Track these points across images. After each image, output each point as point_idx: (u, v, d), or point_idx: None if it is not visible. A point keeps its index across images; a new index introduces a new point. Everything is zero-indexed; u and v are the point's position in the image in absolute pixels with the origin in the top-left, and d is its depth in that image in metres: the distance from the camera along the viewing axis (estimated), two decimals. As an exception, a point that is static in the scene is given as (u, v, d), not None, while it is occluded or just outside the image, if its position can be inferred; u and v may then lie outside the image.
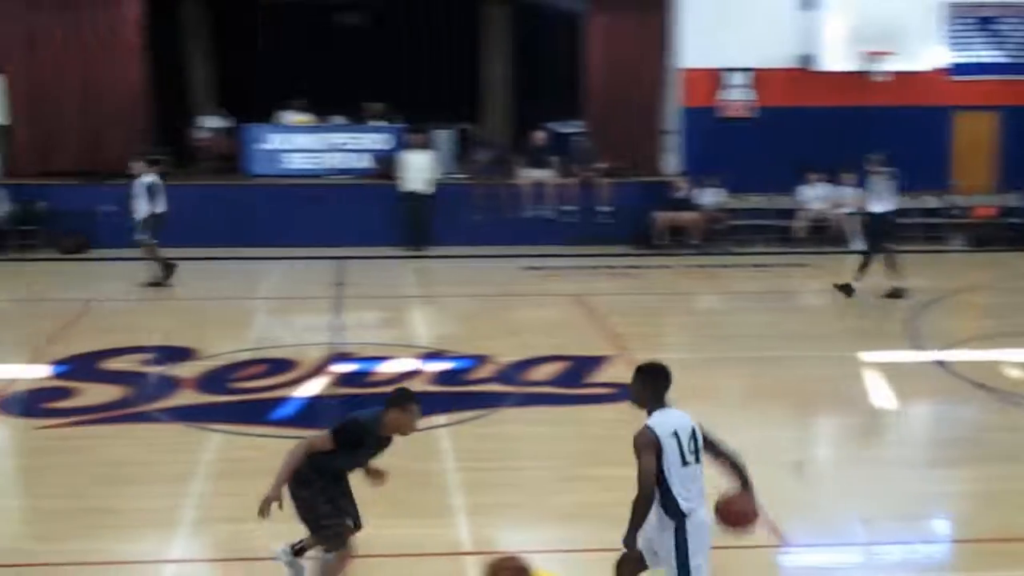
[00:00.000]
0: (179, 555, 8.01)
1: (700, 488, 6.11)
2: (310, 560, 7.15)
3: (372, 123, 20.24)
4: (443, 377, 12.18)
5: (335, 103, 20.44)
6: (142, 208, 16.22)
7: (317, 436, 6.75)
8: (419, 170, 18.89)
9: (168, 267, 16.36)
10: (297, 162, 19.68)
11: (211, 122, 20.78)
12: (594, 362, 12.59)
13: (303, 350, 13.01)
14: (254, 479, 9.23)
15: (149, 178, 16.29)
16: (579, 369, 12.38)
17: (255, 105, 20.26)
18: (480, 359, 12.66)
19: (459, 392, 11.74)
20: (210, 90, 22.44)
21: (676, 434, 6.03)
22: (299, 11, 22.05)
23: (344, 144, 19.83)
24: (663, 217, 19.21)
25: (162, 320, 14.76)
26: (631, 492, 5.96)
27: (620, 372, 12.23)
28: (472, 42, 22.83)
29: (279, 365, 12.38)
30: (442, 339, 13.88)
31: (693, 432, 6.10)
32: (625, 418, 10.89)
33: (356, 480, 7.05)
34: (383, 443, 6.91)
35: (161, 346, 13.04)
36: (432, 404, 11.24)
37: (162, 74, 20.20)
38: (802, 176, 19.53)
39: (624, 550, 6.09)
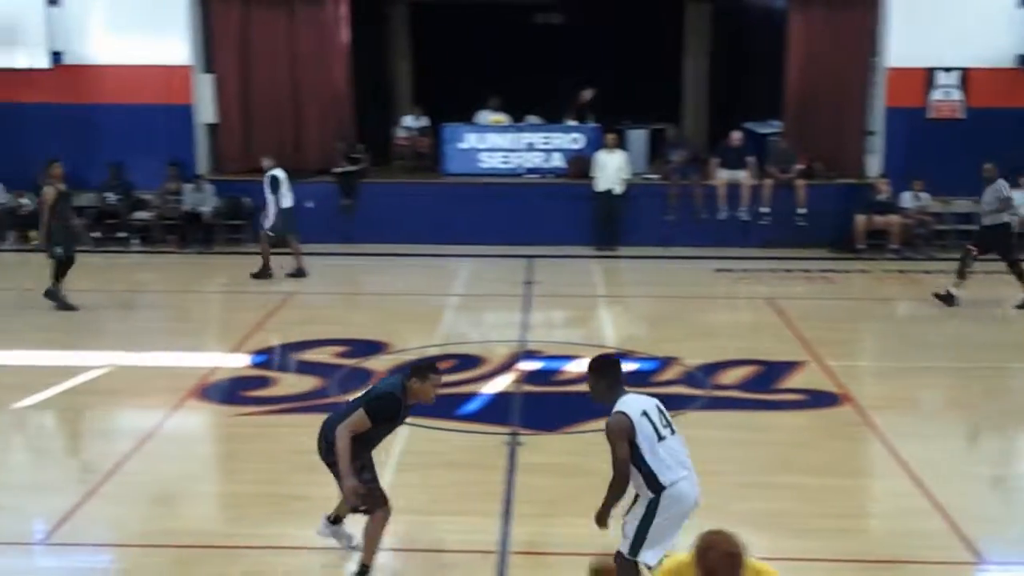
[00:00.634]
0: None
1: (682, 459, 6.38)
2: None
3: (572, 121, 20.22)
4: (629, 378, 11.94)
5: (532, 103, 20.56)
6: (269, 202, 16.78)
7: (354, 419, 7.13)
8: (612, 170, 18.84)
9: (266, 266, 16.79)
10: (491, 161, 19.88)
11: (410, 121, 21.20)
12: (785, 367, 12.31)
13: (491, 347, 13.13)
14: (438, 471, 9.44)
15: (273, 173, 16.82)
16: (770, 374, 12.13)
17: (453, 105, 20.55)
18: (667, 361, 12.53)
19: (645, 393, 11.61)
20: (410, 90, 22.89)
21: (645, 413, 6.35)
22: (499, 11, 22.27)
23: (538, 143, 19.92)
24: (863, 220, 18.64)
25: (356, 314, 15.13)
26: (817, 502, 5.79)
27: (812, 378, 11.95)
28: (672, 41, 22.63)
29: (467, 361, 12.52)
30: (629, 340, 13.79)
31: (659, 408, 6.44)
32: (816, 425, 10.71)
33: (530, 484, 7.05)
34: (407, 411, 7.40)
35: (355, 339, 13.33)
36: (617, 405, 11.23)
37: (364, 73, 20.69)
38: (1013, 180, 18.63)
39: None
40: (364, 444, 7.28)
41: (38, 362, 12.49)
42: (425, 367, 7.45)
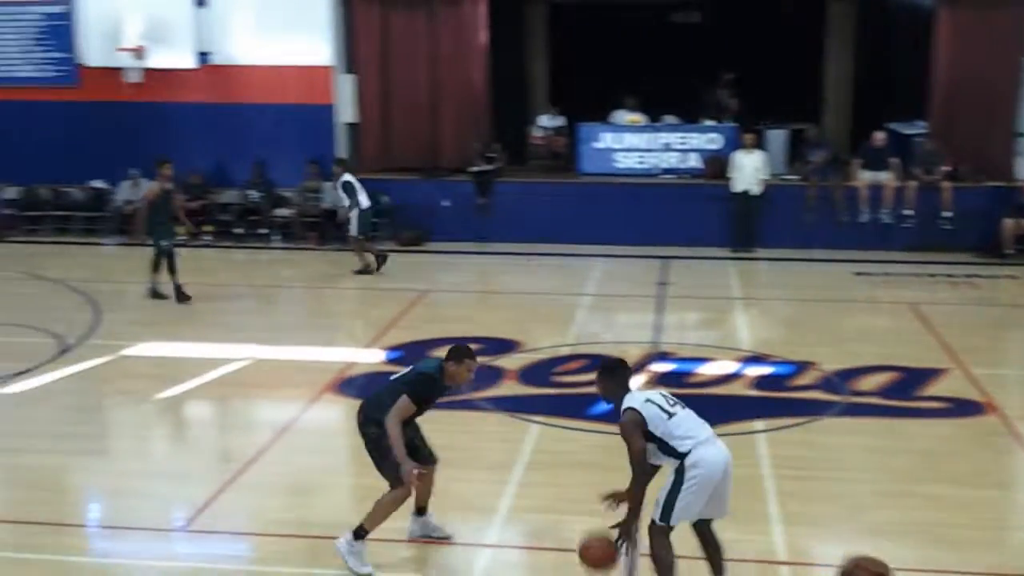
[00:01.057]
0: (494, 540, 8.21)
1: (697, 428, 6.77)
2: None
3: (712, 118, 20.02)
4: (764, 382, 11.91)
5: (668, 103, 20.40)
6: (347, 207, 17.09)
7: (400, 406, 7.50)
8: (750, 170, 18.57)
9: (382, 257, 17.15)
10: (627, 161, 19.78)
11: (546, 121, 21.23)
12: (927, 374, 11.97)
13: (623, 347, 13.04)
14: (569, 471, 9.42)
15: (345, 178, 17.07)
16: (910, 381, 11.81)
17: (589, 104, 20.50)
18: (803, 365, 12.29)
19: (780, 398, 11.46)
20: (546, 89, 22.91)
21: (649, 399, 6.85)
22: (637, 10, 22.15)
23: (674, 143, 19.76)
24: (1011, 224, 18.01)
25: (489, 312, 15.20)
26: (957, 512, 5.61)
27: (956, 386, 11.60)
28: (814, 40, 22.19)
29: (599, 361, 12.44)
30: (764, 343, 13.57)
31: (662, 394, 6.97)
32: (959, 435, 10.39)
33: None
34: (444, 392, 7.86)
35: (487, 337, 13.38)
36: (751, 409, 11.07)
37: (501, 73, 20.79)
38: None
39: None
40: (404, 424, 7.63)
41: (182, 354, 12.86)
42: (461, 350, 7.81)
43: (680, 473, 6.72)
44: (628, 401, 6.87)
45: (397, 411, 7.51)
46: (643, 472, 6.78)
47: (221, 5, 19.66)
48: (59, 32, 20.05)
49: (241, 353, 12.82)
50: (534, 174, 20.49)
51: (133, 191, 19.41)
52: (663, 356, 12.74)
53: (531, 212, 19.23)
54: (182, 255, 15.80)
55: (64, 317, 14.32)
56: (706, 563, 7.13)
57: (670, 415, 6.80)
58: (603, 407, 10.91)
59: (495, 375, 12.03)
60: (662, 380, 11.88)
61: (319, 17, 19.71)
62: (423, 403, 7.71)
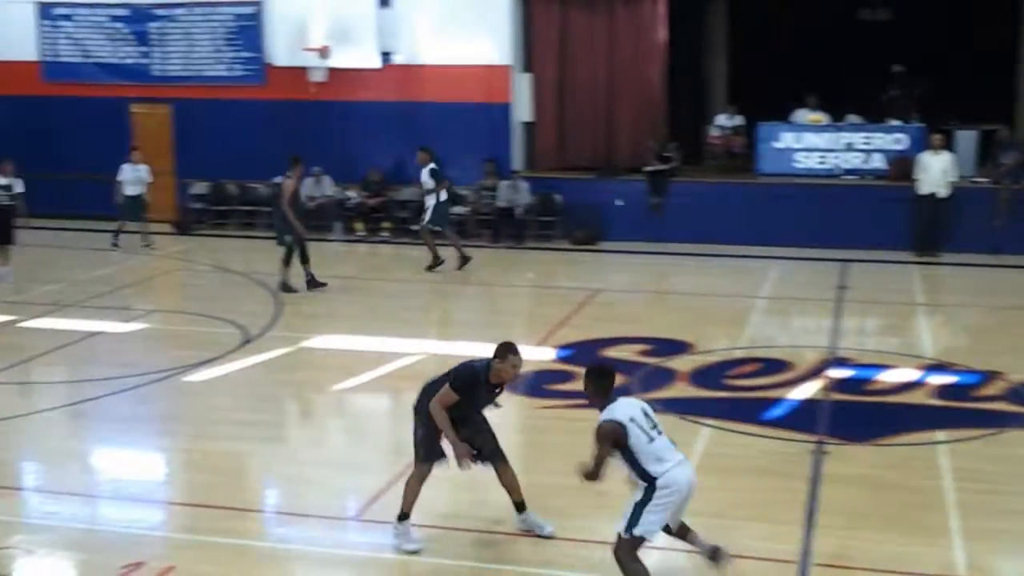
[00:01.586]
0: (662, 543, 8.08)
1: (670, 453, 7.08)
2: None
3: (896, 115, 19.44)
4: (947, 391, 11.48)
5: (852, 102, 19.88)
6: (429, 198, 17.06)
7: (441, 395, 7.87)
8: (937, 172, 17.94)
9: (436, 256, 17.03)
10: (808, 161, 19.36)
11: (724, 120, 20.94)
12: (1125, 388, 11.35)
13: (799, 352, 12.77)
14: (740, 476, 9.25)
15: (431, 166, 17.12)
16: (1105, 394, 11.22)
17: (769, 103, 20.12)
18: (989, 375, 11.80)
19: (963, 408, 11.03)
20: (725, 88, 22.59)
21: (633, 419, 7.03)
22: (822, 6, 21.62)
23: (857, 144, 19.24)
24: None
25: (661, 313, 15.07)
26: None
27: None
28: (1007, 38, 21.27)
29: (773, 365, 12.24)
30: (948, 351, 13.08)
31: (644, 412, 7.14)
32: None
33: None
34: (492, 389, 8.09)
35: (659, 338, 13.28)
36: (933, 419, 10.69)
37: (679, 72, 20.58)
38: None
39: None
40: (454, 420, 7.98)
41: (358, 347, 13.12)
42: (504, 347, 8.06)
43: (650, 491, 7.02)
44: (611, 412, 7.11)
45: (439, 398, 7.90)
46: (599, 467, 7.11)
47: (403, 5, 19.98)
48: (248, 32, 20.73)
49: (415, 348, 13.01)
50: (710, 174, 20.24)
51: (315, 188, 19.92)
52: (841, 362, 12.40)
53: (706, 212, 19.01)
54: (359, 251, 16.14)
55: (248, 309, 14.80)
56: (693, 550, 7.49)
57: (650, 439, 7.06)
58: (777, 412, 10.81)
59: (666, 376, 11.92)
60: (839, 387, 11.59)
61: (498, 16, 19.87)
62: (465, 395, 7.92)
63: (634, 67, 20.12)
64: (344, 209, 20.23)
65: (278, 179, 20.30)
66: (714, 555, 7.41)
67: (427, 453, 8.11)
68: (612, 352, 12.76)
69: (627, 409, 7.14)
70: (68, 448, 10.39)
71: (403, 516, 8.12)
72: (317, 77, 20.17)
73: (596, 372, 7.44)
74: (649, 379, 11.82)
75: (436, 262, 17.09)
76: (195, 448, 10.15)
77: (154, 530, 8.47)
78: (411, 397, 11.51)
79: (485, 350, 12.77)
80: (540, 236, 19.66)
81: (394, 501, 8.75)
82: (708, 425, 10.48)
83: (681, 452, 7.22)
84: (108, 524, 8.55)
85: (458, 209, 19.93)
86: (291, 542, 8.30)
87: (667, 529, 7.35)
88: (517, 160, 20.42)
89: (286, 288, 15.66)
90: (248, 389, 11.57)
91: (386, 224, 19.96)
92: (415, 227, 19.38)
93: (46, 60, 21.58)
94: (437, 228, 17.26)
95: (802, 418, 10.71)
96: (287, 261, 15.72)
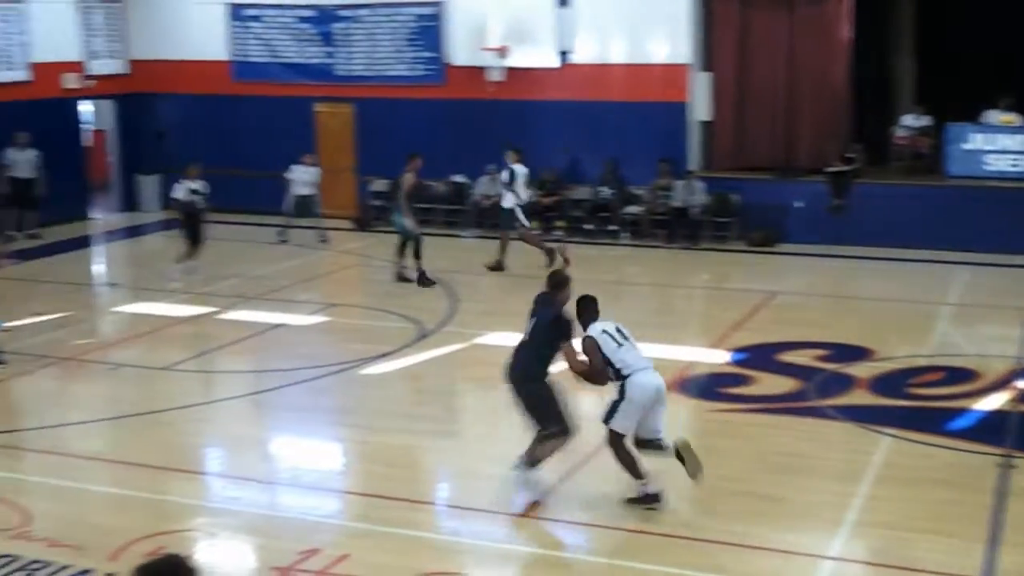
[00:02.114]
0: (836, 553, 7.91)
1: (636, 358, 8.63)
2: None
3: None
4: None
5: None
6: (508, 197, 16.94)
7: (567, 351, 8.69)
8: None
9: (550, 253, 16.88)
10: (999, 164, 18.59)
11: (910, 120, 20.28)
12: None
13: (986, 361, 12.27)
14: (921, 488, 8.96)
15: (514, 167, 16.94)
16: None
17: (959, 103, 19.39)
18: None
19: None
20: (912, 87, 21.89)
21: (605, 331, 8.68)
22: (1013, 3, 20.72)
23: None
24: None
25: (841, 317, 14.67)
26: None
27: None
28: None
29: (959, 374, 11.80)
30: None
31: (618, 329, 8.79)
32: None
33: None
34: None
35: (838, 343, 12.95)
36: None
37: (864, 70, 20.03)
38: None
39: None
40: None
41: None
42: (557, 276, 9.27)
43: (622, 389, 8.49)
44: (590, 330, 8.69)
45: (571, 359, 8.71)
46: (600, 373, 8.63)
47: (582, 4, 19.97)
48: (429, 33, 21.04)
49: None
50: (895, 175, 19.61)
51: (490, 186, 20.10)
52: (1031, 373, 11.88)
53: (891, 215, 18.43)
54: (531, 250, 16.20)
55: (423, 304, 15.02)
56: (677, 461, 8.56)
57: (619, 345, 8.62)
58: (961, 423, 10.42)
59: (844, 383, 11.62)
60: (1028, 398, 11.11)
61: (678, 15, 19.67)
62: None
63: (817, 65, 19.67)
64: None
65: (457, 177, 20.70)
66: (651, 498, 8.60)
67: (563, 418, 8.80)
68: (788, 356, 12.50)
69: (600, 324, 8.77)
70: (250, 435, 10.74)
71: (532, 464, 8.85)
72: (495, 76, 20.34)
73: (586, 300, 8.96)
74: (827, 385, 11.54)
75: (551, 257, 16.99)
76: (370, 440, 10.35)
77: (330, 518, 8.68)
78: (583, 395, 11.63)
79: (656, 351, 12.79)
80: (716, 237, 19.39)
81: (564, 499, 8.79)
82: (889, 434, 10.16)
83: (650, 364, 8.68)
84: (286, 511, 8.80)
85: (632, 209, 19.84)
86: (461, 535, 8.39)
87: (638, 442, 8.68)
88: (694, 160, 20.20)
89: (403, 279, 16.05)
90: (422, 383, 11.75)
91: (559, 223, 20.00)
92: (588, 227, 19.48)
93: (235, 60, 22.35)
94: (520, 228, 17.25)
95: (988, 430, 10.29)
96: (401, 252, 16.21)
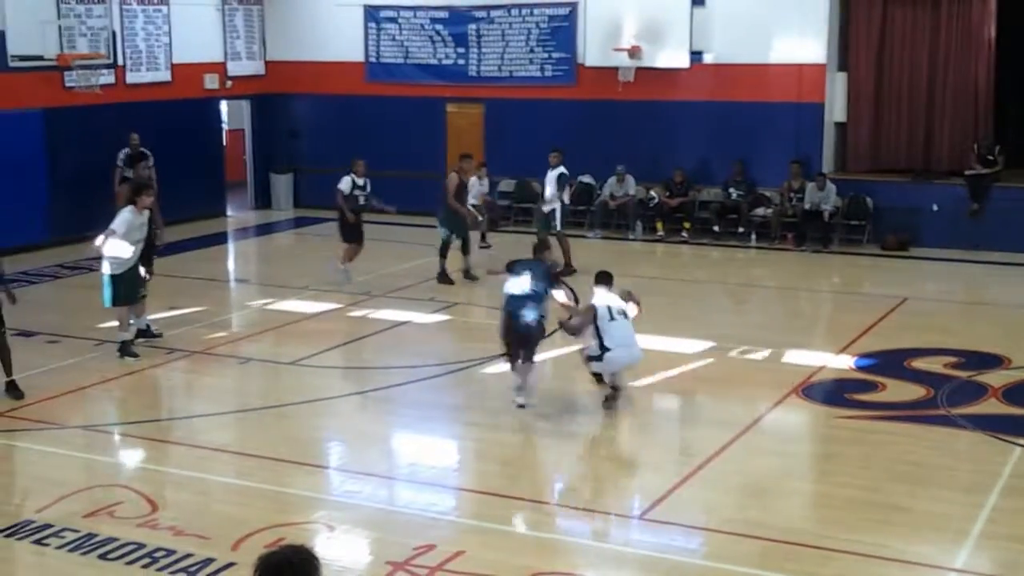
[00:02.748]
0: (961, 565, 7.67)
1: (623, 336, 10.65)
2: None
3: None
4: None
5: None
6: (555, 198, 16.75)
7: (557, 294, 11.23)
8: None
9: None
10: None
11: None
12: None
13: None
14: (1049, 501, 8.62)
15: (562, 170, 16.75)
16: None
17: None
18: None
19: None
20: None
21: (609, 306, 10.71)
22: None
23: None
24: None
25: (973, 325, 14.24)
26: None
27: None
28: None
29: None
30: None
31: (619, 308, 10.76)
32: None
33: None
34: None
35: (970, 351, 12.56)
36: None
37: (1009, 71, 19.35)
38: None
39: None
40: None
41: (651, 346, 13.00)
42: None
43: (600, 356, 10.66)
44: (594, 299, 10.81)
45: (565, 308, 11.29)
46: (578, 329, 10.91)
47: (717, 4, 19.75)
48: (562, 33, 21.07)
49: (710, 349, 12.87)
50: (1037, 178, 18.97)
51: (617, 187, 20.03)
52: None
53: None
54: (658, 251, 16.07)
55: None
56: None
57: (612, 318, 10.62)
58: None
59: (976, 391, 11.27)
60: None
61: (816, 15, 19.31)
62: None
63: (958, 66, 19.14)
64: (646, 208, 20.22)
65: (585, 178, 20.65)
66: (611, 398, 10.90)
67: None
68: (919, 363, 12.18)
69: (604, 298, 10.80)
70: (370, 431, 10.88)
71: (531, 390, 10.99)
72: (625, 77, 20.26)
73: (603, 274, 11.04)
74: (958, 393, 11.20)
75: (568, 268, 16.51)
76: (487, 438, 10.40)
77: (445, 515, 8.73)
78: (702, 399, 11.55)
79: (783, 355, 12.61)
80: (848, 240, 19.01)
81: (679, 503, 8.71)
82: (1022, 445, 9.82)
83: (633, 341, 10.76)
84: (403, 506, 8.88)
85: (761, 211, 19.55)
86: (575, 535, 8.38)
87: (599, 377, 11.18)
88: (828, 161, 19.83)
89: (445, 280, 16.13)
90: (541, 383, 11.74)
91: (686, 225, 19.83)
92: (716, 228, 19.28)
93: (370, 61, 22.69)
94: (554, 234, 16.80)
95: None
96: (443, 252, 16.29)
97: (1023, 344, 12.91)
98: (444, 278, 16.30)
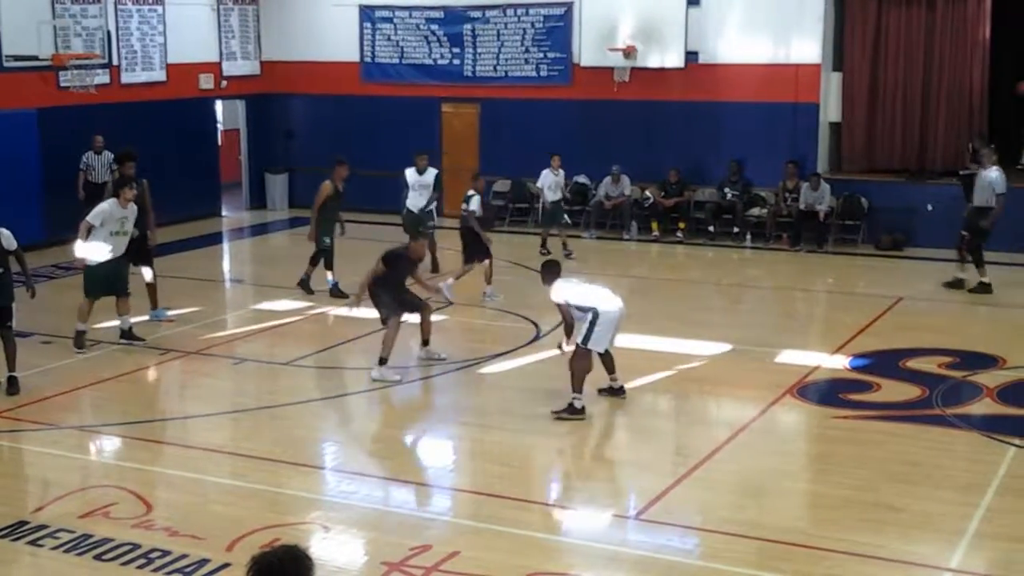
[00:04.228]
0: (956, 565, 7.68)
1: (599, 295, 10.74)
2: None
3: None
4: None
5: None
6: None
7: (374, 266, 11.83)
8: None
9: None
10: None
11: (1046, 122, 19.61)
12: None
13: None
14: (1044, 501, 8.64)
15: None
16: None
17: None
18: None
19: None
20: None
21: (569, 282, 10.92)
22: None
23: None
24: None
25: (969, 325, 14.28)
26: None
27: None
28: None
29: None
30: None
31: (574, 280, 11.10)
32: None
33: None
34: (413, 265, 12.09)
35: (965, 351, 12.59)
36: None
37: (1002, 71, 19.38)
38: None
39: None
40: (391, 285, 11.89)
41: (648, 347, 13.08)
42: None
43: (593, 320, 10.49)
44: (556, 292, 10.75)
45: (372, 271, 11.83)
46: (569, 324, 10.73)
47: (712, 4, 19.75)
48: (557, 33, 21.06)
49: (705, 350, 12.88)
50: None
51: (612, 187, 20.03)
52: None
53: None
54: (653, 252, 16.06)
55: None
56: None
57: (579, 285, 10.90)
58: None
59: (971, 391, 11.30)
60: None
61: (810, 15, 19.32)
62: (391, 267, 11.78)
63: (953, 66, 19.17)
64: (641, 209, 20.22)
65: (580, 178, 20.66)
66: (618, 391, 11.18)
67: (386, 312, 11.86)
68: (913, 363, 12.20)
69: (565, 283, 10.87)
70: (366, 431, 10.90)
71: (383, 360, 11.67)
72: (621, 77, 20.26)
73: (547, 265, 11.17)
74: (952, 393, 11.23)
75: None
76: (484, 438, 10.41)
77: (441, 515, 8.74)
78: (698, 399, 11.56)
79: (777, 355, 12.62)
80: (843, 240, 19.04)
81: (674, 503, 8.72)
82: (1016, 445, 9.85)
83: (609, 292, 10.78)
84: (399, 506, 8.89)
85: (756, 211, 19.56)
86: (571, 536, 8.39)
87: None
88: (823, 162, 19.85)
89: (305, 286, 15.49)
90: (538, 383, 11.75)
91: (681, 225, 19.83)
92: (711, 228, 19.30)
93: (365, 61, 22.68)
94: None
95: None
96: (315, 260, 15.52)
97: (1018, 344, 12.95)
98: (305, 285, 15.61)
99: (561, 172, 18.69)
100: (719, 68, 19.92)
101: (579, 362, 10.60)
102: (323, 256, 15.57)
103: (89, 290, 12.79)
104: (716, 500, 8.86)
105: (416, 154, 17.19)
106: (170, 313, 14.24)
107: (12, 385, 11.29)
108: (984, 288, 15.53)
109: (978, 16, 18.91)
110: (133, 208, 12.75)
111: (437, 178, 16.93)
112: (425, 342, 12.40)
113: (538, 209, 20.32)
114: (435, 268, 16.45)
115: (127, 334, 13.07)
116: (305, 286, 15.60)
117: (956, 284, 15.84)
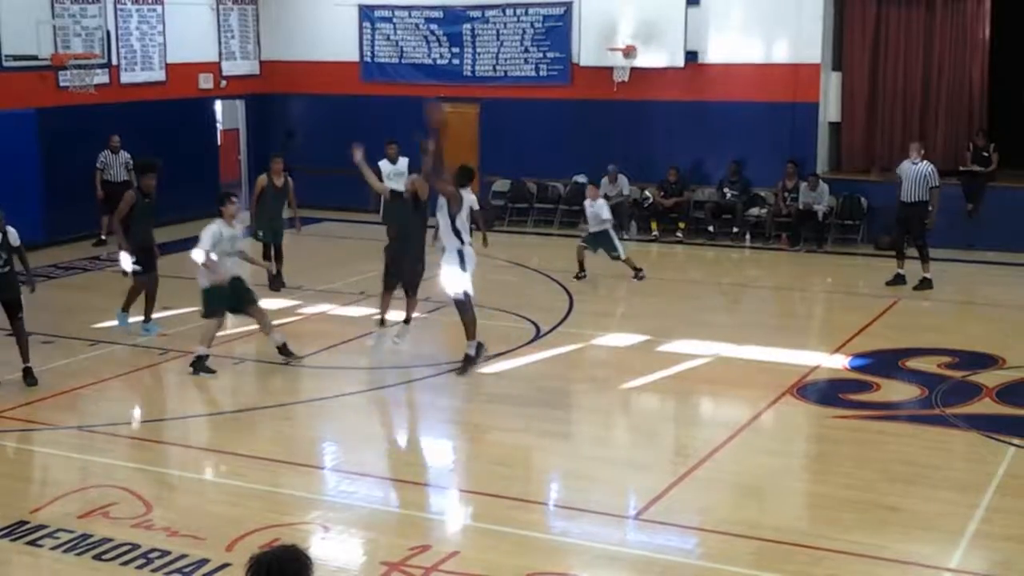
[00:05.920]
0: (955, 565, 7.68)
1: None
2: None
3: None
4: None
5: None
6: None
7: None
8: None
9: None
10: None
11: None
12: None
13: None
14: (1044, 501, 8.64)
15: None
16: None
17: None
18: None
19: None
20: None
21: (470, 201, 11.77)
22: None
23: None
24: None
25: (968, 324, 14.27)
26: None
27: None
28: None
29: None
30: None
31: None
32: None
33: None
34: (418, 203, 12.52)
35: (964, 351, 12.59)
36: None
37: (1004, 70, 19.36)
38: None
39: None
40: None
41: (648, 346, 13.10)
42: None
43: (462, 258, 11.49)
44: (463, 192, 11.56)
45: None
46: (437, 169, 11.48)
47: (713, 4, 19.74)
48: (556, 33, 21.06)
49: (704, 350, 12.88)
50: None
51: (610, 186, 20.02)
52: None
53: (1024, 219, 17.85)
54: (652, 251, 16.05)
55: (541, 304, 15.04)
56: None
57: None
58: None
59: (970, 391, 11.30)
60: None
61: (810, 14, 19.32)
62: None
63: (953, 65, 19.19)
64: (640, 208, 20.21)
65: (579, 178, 20.64)
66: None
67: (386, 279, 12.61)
68: (913, 363, 12.20)
69: (471, 196, 11.77)
70: (366, 431, 10.89)
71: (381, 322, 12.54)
72: (620, 77, 20.25)
73: (463, 169, 11.90)
74: (952, 393, 11.22)
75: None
76: (483, 438, 10.41)
77: (441, 515, 8.75)
78: (697, 399, 11.57)
79: (777, 355, 12.63)
80: (842, 240, 19.04)
81: (674, 503, 8.72)
82: (1016, 444, 9.85)
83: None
84: (398, 506, 8.89)
85: (756, 211, 19.56)
86: (571, 536, 8.36)
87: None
88: (822, 161, 19.85)
89: (276, 280, 15.51)
90: (537, 383, 11.76)
91: (680, 225, 19.83)
92: (711, 228, 19.28)
93: (365, 61, 22.67)
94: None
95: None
96: (266, 255, 15.59)
97: (1017, 344, 12.95)
98: (277, 282, 15.64)
99: (600, 201, 16.96)
100: (718, 68, 19.92)
101: (465, 312, 11.80)
102: (269, 249, 15.75)
103: (210, 310, 12.23)
104: (716, 500, 8.86)
105: (386, 143, 17.27)
106: (167, 313, 14.18)
107: (29, 376, 11.34)
108: (926, 284, 15.62)
109: (978, 16, 18.91)
110: (240, 227, 12.47)
111: (410, 166, 16.86)
112: (407, 320, 12.71)
113: (537, 209, 20.39)
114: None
115: (283, 350, 12.39)
116: (275, 283, 15.52)
117: (898, 280, 15.90)
